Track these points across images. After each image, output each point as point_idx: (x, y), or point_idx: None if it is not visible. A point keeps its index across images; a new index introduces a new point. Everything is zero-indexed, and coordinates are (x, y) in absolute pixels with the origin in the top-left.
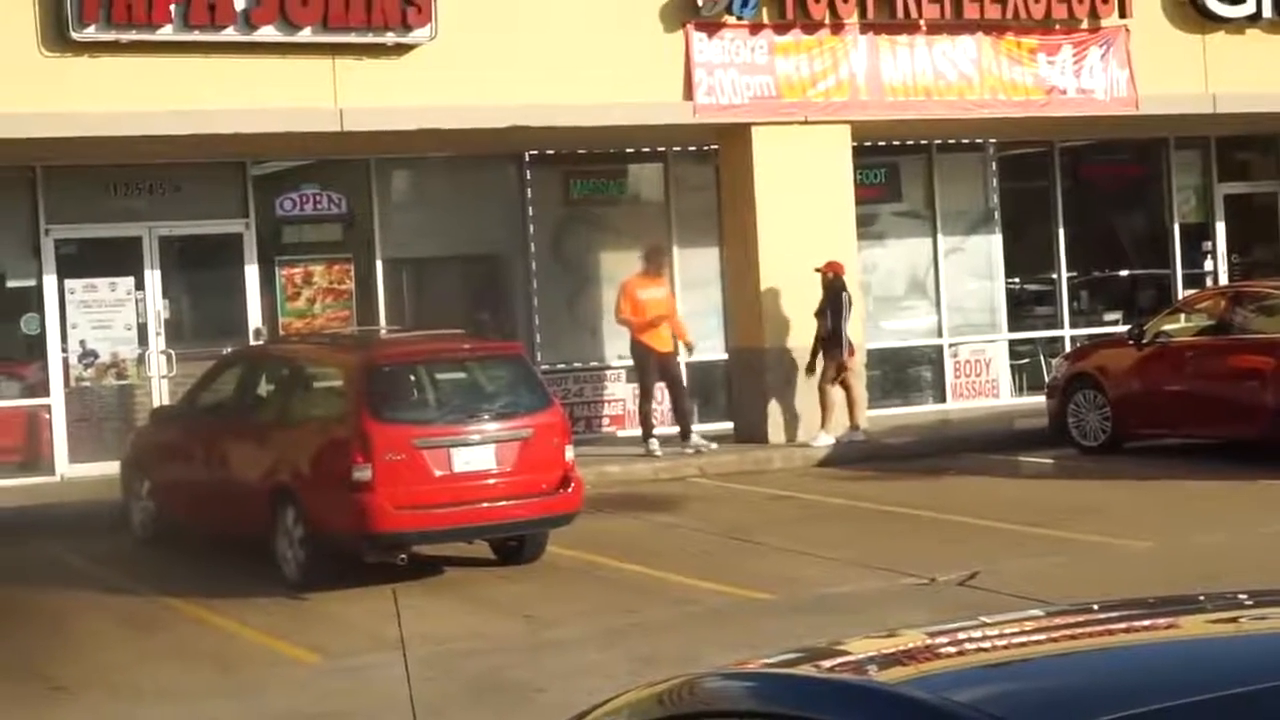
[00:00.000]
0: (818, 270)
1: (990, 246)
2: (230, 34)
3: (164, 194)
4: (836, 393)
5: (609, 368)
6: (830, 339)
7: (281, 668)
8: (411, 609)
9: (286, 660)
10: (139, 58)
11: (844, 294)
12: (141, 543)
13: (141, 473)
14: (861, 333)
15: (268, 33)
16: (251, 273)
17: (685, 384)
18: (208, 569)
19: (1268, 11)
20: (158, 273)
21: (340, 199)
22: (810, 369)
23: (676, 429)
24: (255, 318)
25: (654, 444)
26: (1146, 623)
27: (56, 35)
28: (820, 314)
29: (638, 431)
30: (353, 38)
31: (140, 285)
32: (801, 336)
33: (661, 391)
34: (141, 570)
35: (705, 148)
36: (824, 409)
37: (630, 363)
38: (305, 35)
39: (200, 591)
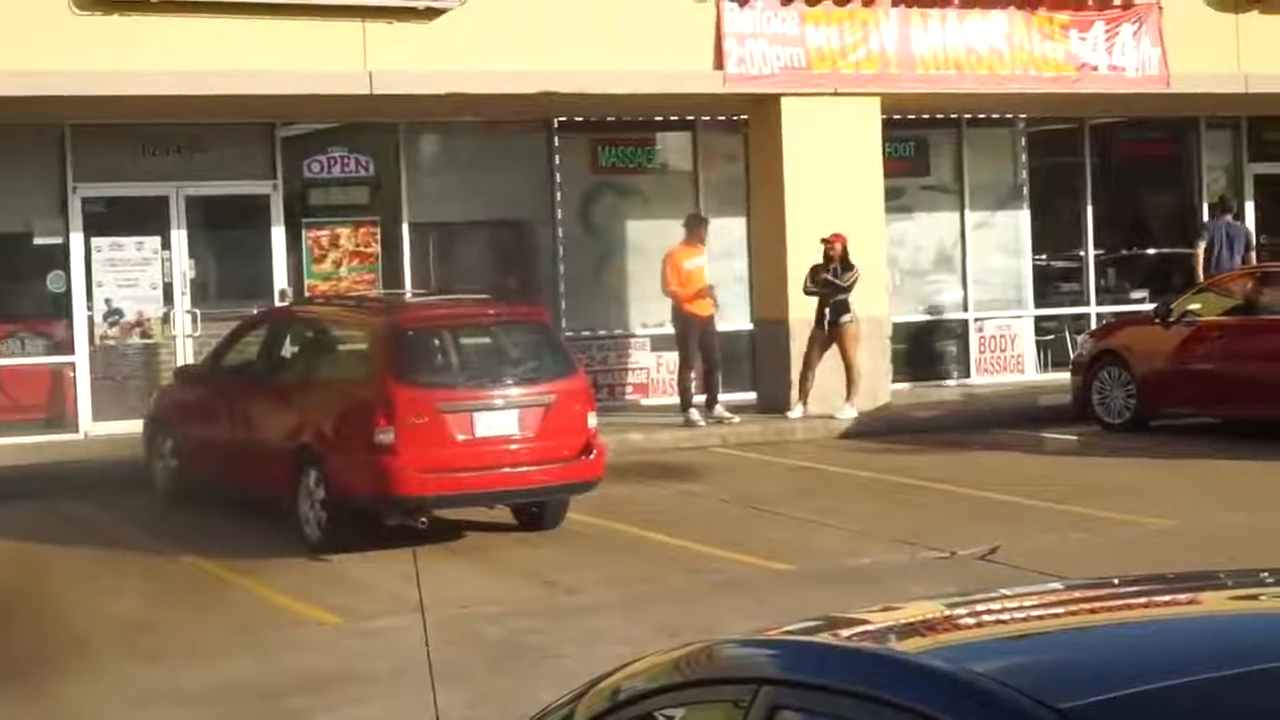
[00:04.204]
0: (823, 241)
1: (1018, 222)
2: None
3: (191, 154)
4: (863, 364)
5: (634, 336)
6: (834, 310)
7: (301, 629)
8: (431, 573)
9: (306, 621)
10: (169, 17)
11: (834, 266)
12: (164, 501)
13: (165, 432)
14: (886, 306)
15: None
16: (278, 234)
17: (718, 355)
18: (229, 529)
19: None
20: (184, 233)
21: (368, 162)
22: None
23: (703, 397)
24: (281, 279)
25: (694, 413)
26: (1166, 598)
27: None
28: (829, 285)
29: (661, 400)
30: (383, 0)
31: (166, 245)
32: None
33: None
34: (163, 529)
35: (734, 118)
36: (849, 381)
37: (655, 331)
38: None
39: (221, 551)
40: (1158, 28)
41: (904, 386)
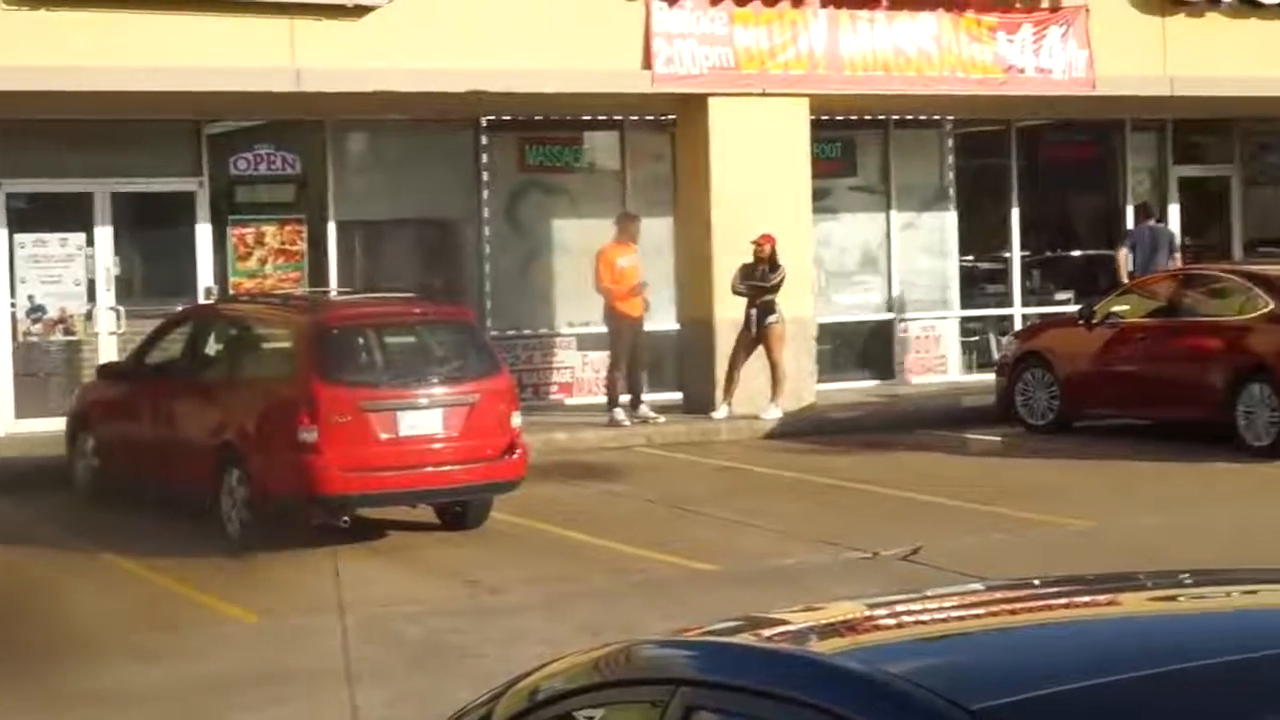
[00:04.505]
0: (753, 243)
1: (944, 223)
2: None
3: (117, 151)
4: (788, 365)
5: (559, 335)
6: (761, 310)
7: (221, 627)
8: (353, 572)
9: (227, 619)
10: (95, 12)
11: (762, 267)
12: (85, 499)
13: (87, 429)
14: (811, 307)
15: None
16: (203, 232)
17: (644, 354)
18: (151, 527)
19: None
20: (109, 229)
21: (294, 160)
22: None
23: (628, 397)
24: (206, 277)
25: (619, 413)
26: (1085, 599)
27: None
28: (756, 287)
29: (586, 399)
30: None
31: (91, 241)
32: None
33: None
34: (84, 527)
35: (662, 117)
36: (774, 381)
37: (581, 331)
38: None
39: (142, 549)
40: (1084, 30)
41: (829, 387)
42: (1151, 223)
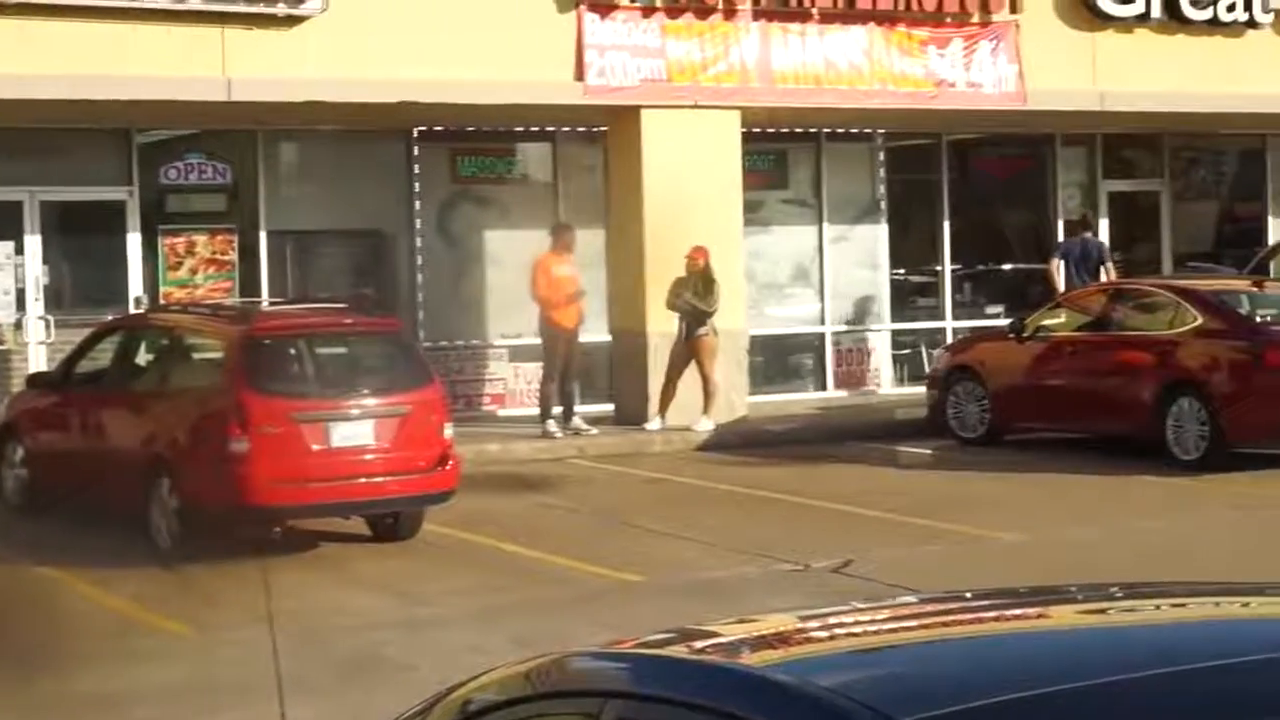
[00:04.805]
0: (686, 257)
1: (875, 236)
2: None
3: (47, 159)
4: (720, 377)
5: (492, 346)
6: (694, 323)
7: (151, 639)
8: (284, 583)
9: (157, 631)
10: (24, 20)
11: (695, 281)
12: (14, 511)
13: (16, 440)
14: (744, 319)
15: None
16: (134, 241)
17: (576, 366)
18: (80, 539)
19: (1156, 12)
20: (38, 238)
21: (225, 169)
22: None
23: (560, 408)
24: (136, 286)
25: (551, 424)
26: (1016, 612)
27: None
28: (696, 309)
29: (519, 411)
30: (242, 7)
31: (20, 250)
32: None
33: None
34: (12, 538)
35: (594, 129)
36: (706, 394)
37: (513, 342)
38: (195, 3)
39: (71, 561)
40: (1015, 45)
41: (761, 399)
42: (1086, 235)
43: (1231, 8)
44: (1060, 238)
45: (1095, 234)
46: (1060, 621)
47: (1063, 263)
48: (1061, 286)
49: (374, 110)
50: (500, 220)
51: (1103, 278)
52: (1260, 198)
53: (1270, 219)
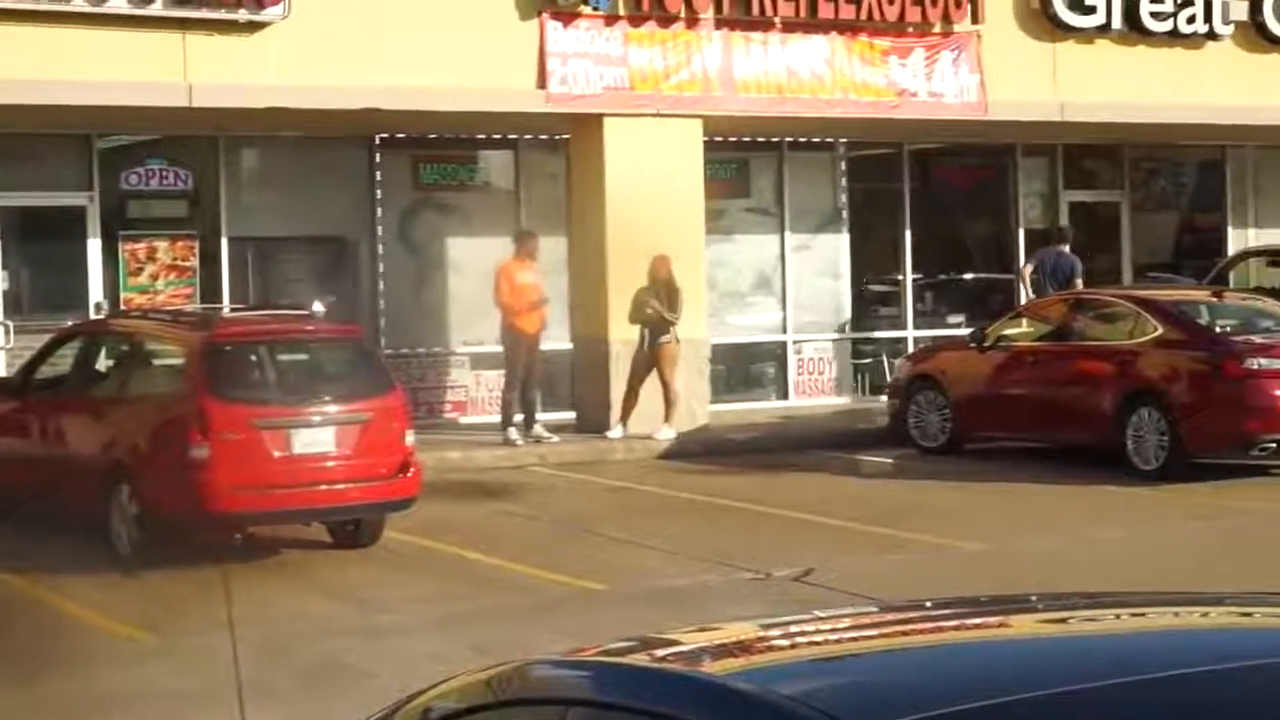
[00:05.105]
0: (650, 266)
1: (837, 245)
2: (80, 4)
3: (6, 164)
4: (681, 385)
5: (453, 354)
6: (654, 330)
7: (111, 646)
8: (245, 590)
9: (117, 638)
10: None
11: (659, 289)
12: None
13: None
14: (705, 327)
15: (118, 5)
16: (94, 247)
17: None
18: (40, 544)
19: (1117, 23)
20: None
21: (187, 175)
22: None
23: (522, 416)
24: (97, 292)
25: (513, 432)
26: (977, 621)
27: None
28: (662, 305)
29: (480, 418)
30: (204, 13)
31: None
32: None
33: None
34: None
35: (556, 136)
36: (667, 402)
37: (475, 349)
38: (156, 9)
39: (32, 567)
40: (976, 55)
41: (722, 408)
42: (1062, 247)
43: (1192, 19)
44: (1022, 246)
45: (1072, 249)
46: (1020, 631)
47: (1035, 269)
48: (1026, 295)
49: (336, 117)
50: (462, 227)
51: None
52: (1219, 209)
53: (1229, 230)
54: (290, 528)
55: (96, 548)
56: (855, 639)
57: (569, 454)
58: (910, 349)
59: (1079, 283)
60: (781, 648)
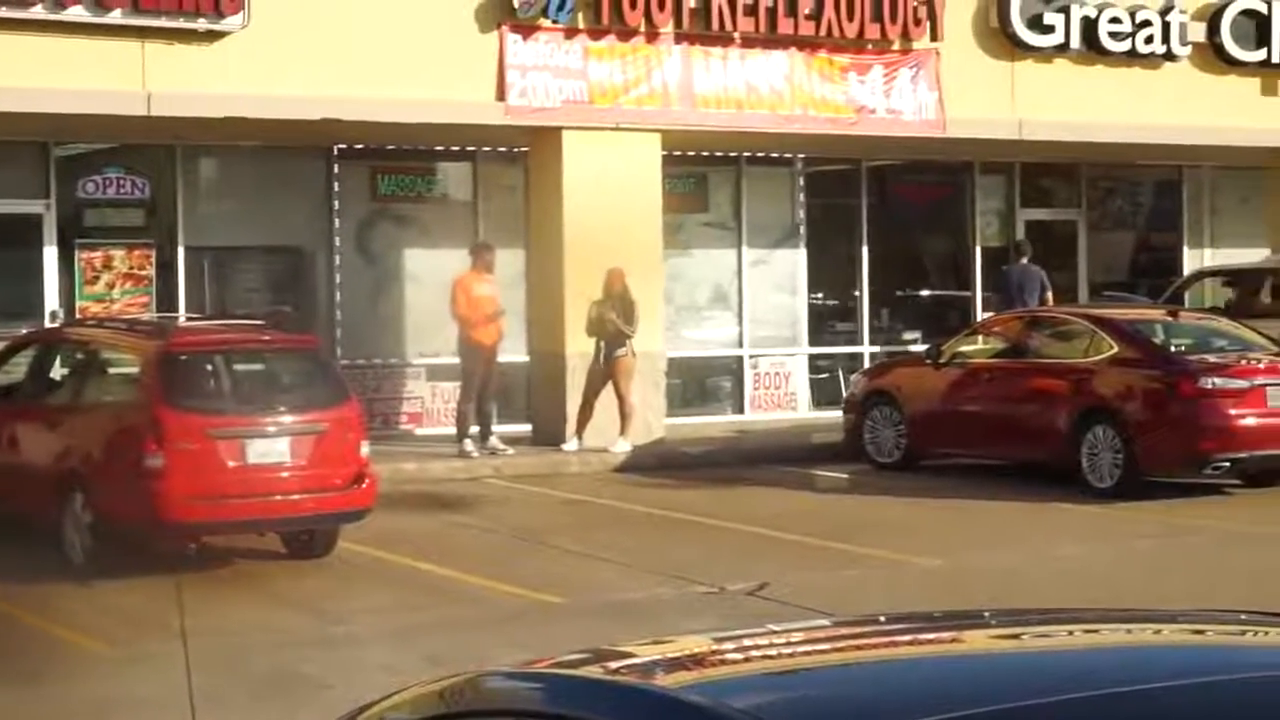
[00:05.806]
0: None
1: (794, 261)
2: (39, 11)
3: None
4: (637, 398)
5: (409, 365)
6: (610, 343)
7: (63, 655)
8: (198, 600)
9: (68, 647)
10: None
11: (614, 301)
12: None
13: None
14: (661, 341)
15: (77, 12)
16: (50, 254)
17: (494, 386)
18: None
19: (1075, 42)
20: None
21: (144, 184)
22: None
23: (477, 428)
24: (52, 300)
25: (468, 444)
26: (930, 636)
27: None
28: (619, 319)
29: (436, 430)
30: (163, 21)
31: None
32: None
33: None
34: None
35: (515, 149)
36: (622, 415)
37: (431, 361)
38: (115, 17)
39: None
40: (935, 73)
41: (678, 421)
42: (1024, 262)
43: (1150, 40)
44: (979, 264)
45: (1030, 260)
46: (974, 646)
47: (1003, 289)
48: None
49: (294, 127)
50: (420, 239)
51: (1032, 303)
52: (1175, 228)
53: (1185, 249)
54: (244, 538)
55: (49, 556)
56: (809, 653)
57: (524, 466)
58: (866, 365)
59: (1049, 296)
60: (735, 661)
